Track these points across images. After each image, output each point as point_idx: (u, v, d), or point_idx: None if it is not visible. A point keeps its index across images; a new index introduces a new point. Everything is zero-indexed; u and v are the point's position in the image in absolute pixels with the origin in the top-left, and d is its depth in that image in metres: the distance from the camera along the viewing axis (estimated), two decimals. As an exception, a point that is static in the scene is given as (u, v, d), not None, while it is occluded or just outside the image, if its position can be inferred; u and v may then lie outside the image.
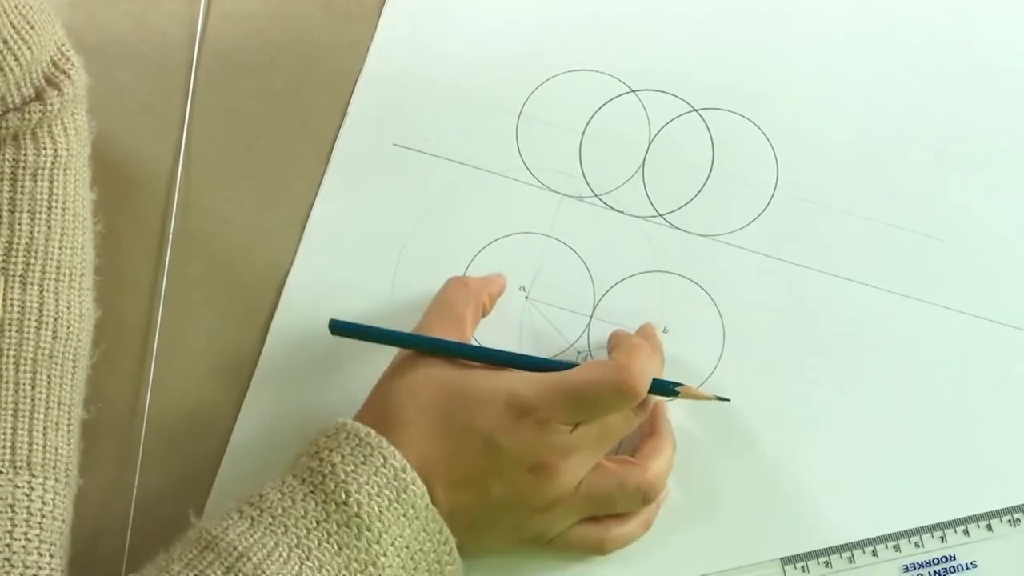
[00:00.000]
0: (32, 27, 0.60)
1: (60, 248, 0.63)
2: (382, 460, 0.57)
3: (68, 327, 0.63)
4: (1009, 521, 0.67)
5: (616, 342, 0.66)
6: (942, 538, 0.67)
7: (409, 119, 0.72)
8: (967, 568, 0.67)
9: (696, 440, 0.68)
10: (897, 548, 0.67)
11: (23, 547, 0.59)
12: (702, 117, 0.72)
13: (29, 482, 0.60)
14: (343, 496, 0.56)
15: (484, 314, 0.67)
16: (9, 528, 0.59)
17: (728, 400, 0.66)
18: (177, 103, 0.72)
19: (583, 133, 0.72)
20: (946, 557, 0.67)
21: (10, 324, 0.61)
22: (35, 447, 0.61)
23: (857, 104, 0.72)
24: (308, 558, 0.55)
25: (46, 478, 0.61)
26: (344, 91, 0.72)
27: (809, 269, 0.70)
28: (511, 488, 0.59)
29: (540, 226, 0.71)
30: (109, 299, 0.67)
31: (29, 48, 0.60)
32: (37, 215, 0.63)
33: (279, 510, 0.57)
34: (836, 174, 0.71)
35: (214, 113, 0.72)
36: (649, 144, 0.72)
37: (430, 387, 0.61)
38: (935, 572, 0.67)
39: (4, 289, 0.61)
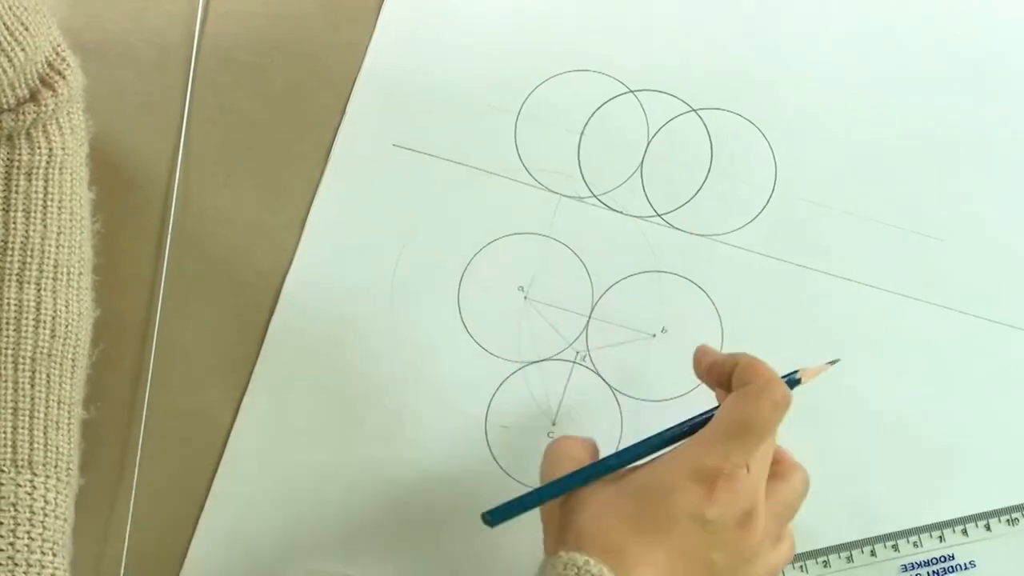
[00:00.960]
0: (26, 28, 0.60)
1: (57, 247, 0.63)
2: None
3: (67, 326, 0.63)
4: (1007, 521, 0.67)
5: (737, 380, 0.64)
6: (941, 538, 0.67)
7: (408, 119, 0.72)
8: (965, 568, 0.67)
9: (695, 440, 0.68)
10: (896, 548, 0.67)
11: (26, 546, 0.59)
12: (700, 117, 0.72)
13: (31, 481, 0.60)
14: None
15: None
16: (12, 527, 0.59)
17: (839, 360, 0.66)
18: (176, 103, 0.72)
19: (582, 133, 0.72)
20: (944, 557, 0.67)
21: (8, 323, 0.61)
22: (36, 446, 0.61)
23: (856, 104, 0.72)
24: None
25: (47, 477, 0.61)
26: (343, 91, 0.72)
27: (808, 269, 0.70)
28: (731, 551, 0.58)
29: (539, 226, 0.71)
30: (108, 298, 0.67)
31: (23, 49, 0.60)
32: (32, 214, 0.63)
33: None
34: (835, 174, 0.71)
35: (213, 113, 0.72)
36: (647, 144, 0.72)
37: (614, 506, 0.60)
38: (934, 572, 0.67)
39: (1, 288, 0.62)
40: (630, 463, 0.61)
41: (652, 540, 0.58)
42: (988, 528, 0.67)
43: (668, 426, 0.62)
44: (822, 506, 0.68)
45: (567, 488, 0.61)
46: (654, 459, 0.61)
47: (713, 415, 0.61)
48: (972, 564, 0.67)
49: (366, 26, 0.73)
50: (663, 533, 0.58)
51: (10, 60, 0.60)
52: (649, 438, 0.62)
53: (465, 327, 0.70)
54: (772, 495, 0.61)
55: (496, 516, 0.62)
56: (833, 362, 0.65)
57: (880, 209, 0.71)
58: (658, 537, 0.58)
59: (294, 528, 0.68)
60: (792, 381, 0.63)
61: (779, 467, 0.62)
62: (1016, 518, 0.67)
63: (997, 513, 0.67)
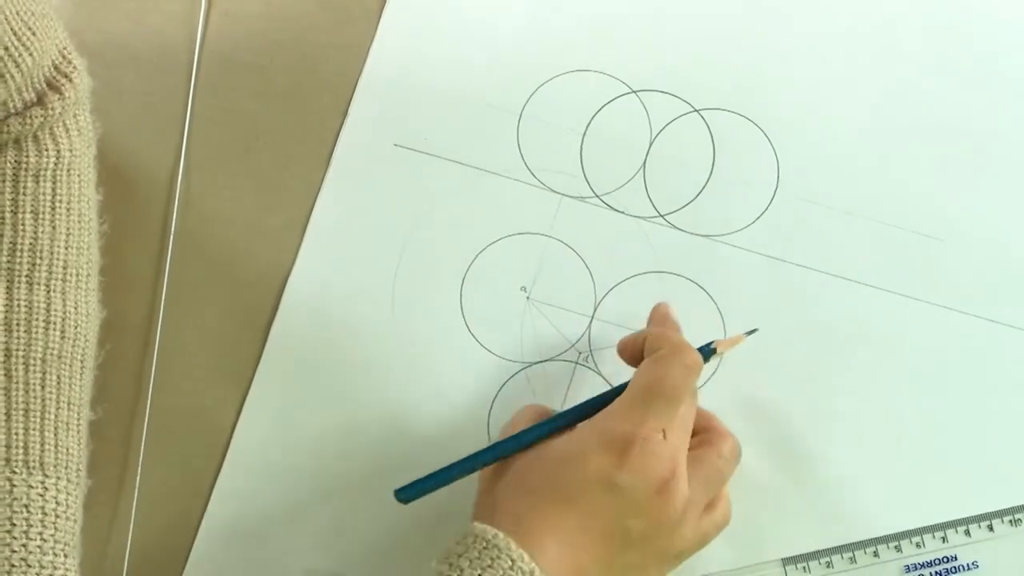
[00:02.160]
0: (34, 33, 0.60)
1: (66, 248, 0.63)
2: (510, 562, 0.56)
3: (76, 327, 0.63)
4: (1010, 521, 0.67)
5: (648, 348, 0.65)
6: (943, 538, 0.67)
7: (410, 119, 0.72)
8: (968, 568, 0.67)
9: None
10: (898, 548, 0.67)
11: (39, 547, 0.59)
12: (703, 117, 0.72)
13: (43, 482, 0.60)
14: None
15: None
16: (25, 528, 0.59)
17: (757, 329, 0.68)
18: (178, 104, 0.72)
19: (584, 133, 0.72)
20: (947, 557, 0.67)
21: (18, 324, 0.62)
22: (47, 447, 0.61)
23: (858, 104, 0.72)
24: None
25: (58, 478, 0.61)
26: (345, 91, 0.72)
27: (809, 269, 0.70)
28: (649, 518, 0.59)
29: (541, 226, 0.71)
30: (110, 299, 0.67)
31: (31, 54, 0.60)
32: (41, 216, 0.63)
33: None
34: (837, 174, 0.71)
35: (214, 114, 0.72)
36: (650, 145, 0.72)
37: (531, 473, 0.60)
38: (936, 572, 0.67)
39: (11, 289, 0.62)
40: (546, 437, 0.62)
41: (562, 508, 0.58)
42: (991, 528, 0.67)
43: (583, 400, 0.63)
44: (823, 506, 0.68)
45: (478, 464, 0.62)
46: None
47: None
48: (975, 565, 0.67)
49: (368, 26, 0.73)
50: (572, 501, 0.58)
51: (18, 65, 0.60)
52: (565, 411, 0.63)
53: (467, 327, 0.70)
54: (699, 461, 0.61)
55: (408, 493, 0.62)
56: (751, 332, 0.67)
57: (881, 209, 0.71)
58: (568, 505, 0.58)
59: (295, 528, 0.68)
60: (708, 352, 0.64)
61: (708, 435, 0.63)
62: (1019, 518, 0.67)
63: (1000, 514, 0.67)
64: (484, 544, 0.57)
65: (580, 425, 0.61)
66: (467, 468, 0.62)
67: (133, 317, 0.70)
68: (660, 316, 0.67)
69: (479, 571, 0.56)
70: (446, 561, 0.58)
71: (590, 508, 0.58)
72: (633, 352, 0.64)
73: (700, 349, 0.63)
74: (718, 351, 0.65)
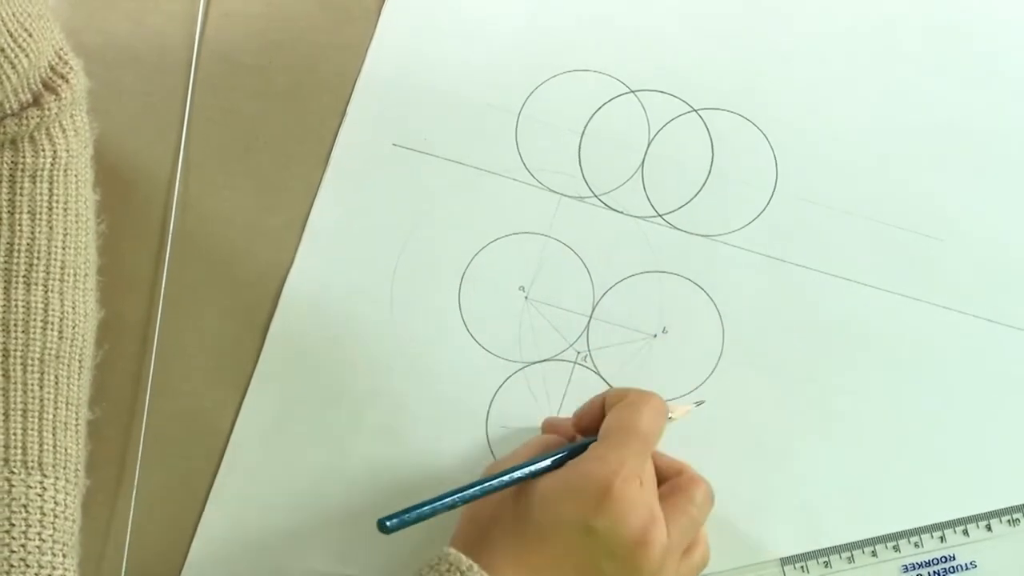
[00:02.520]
0: (30, 35, 0.60)
1: (63, 248, 0.63)
2: None
3: (74, 327, 0.63)
4: (1008, 521, 0.67)
5: (612, 401, 0.65)
6: (941, 538, 0.67)
7: (408, 119, 0.72)
8: (966, 568, 0.67)
9: (695, 441, 0.68)
10: (896, 548, 0.67)
11: (37, 547, 0.59)
12: (701, 117, 0.72)
13: (41, 482, 0.60)
14: None
15: None
16: (24, 528, 0.59)
17: (704, 402, 0.68)
18: (176, 104, 0.72)
19: (582, 133, 0.72)
20: (945, 557, 0.67)
21: (16, 325, 0.62)
22: (45, 447, 0.61)
23: (857, 104, 0.72)
24: None
25: (57, 478, 0.61)
26: (343, 91, 0.72)
27: (808, 269, 0.70)
28: (626, 564, 0.59)
29: (539, 226, 0.71)
30: (109, 300, 0.67)
31: (27, 56, 0.60)
32: (38, 216, 0.63)
33: None
34: (836, 174, 0.71)
35: (213, 114, 0.72)
36: (648, 144, 0.72)
37: (510, 509, 0.61)
38: (935, 572, 0.67)
39: (9, 290, 0.62)
40: (535, 476, 0.61)
41: (536, 546, 0.59)
42: (989, 528, 0.67)
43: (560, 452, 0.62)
44: (822, 506, 0.68)
45: (467, 499, 0.61)
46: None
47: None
48: (973, 564, 0.67)
49: (366, 26, 0.73)
50: (547, 540, 0.59)
51: (13, 66, 0.60)
52: (556, 453, 0.62)
53: (466, 327, 0.70)
54: (675, 509, 0.61)
55: (391, 524, 0.61)
56: (699, 403, 0.68)
57: (880, 209, 0.71)
58: (542, 544, 0.59)
59: (294, 528, 0.68)
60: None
61: (680, 480, 0.63)
62: (1017, 518, 0.67)
63: (998, 513, 0.67)
64: (458, 574, 0.58)
65: (561, 468, 0.61)
66: (454, 503, 0.61)
67: (132, 317, 0.70)
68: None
69: None
70: None
71: (565, 548, 0.59)
72: (592, 416, 0.65)
73: None
74: (671, 416, 0.65)
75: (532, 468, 0.61)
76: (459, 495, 0.61)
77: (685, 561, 0.62)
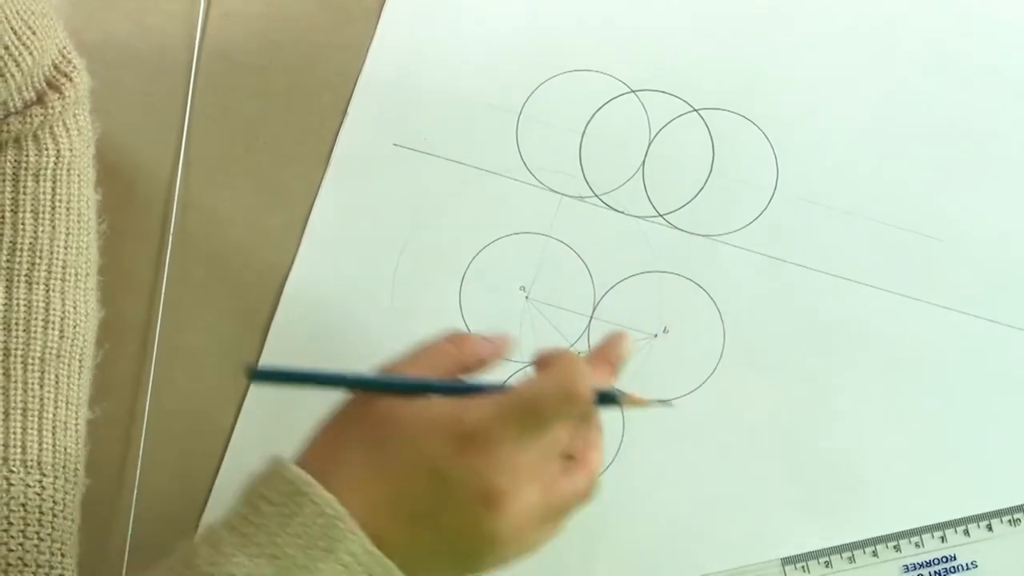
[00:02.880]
0: (34, 32, 0.60)
1: (65, 248, 0.63)
2: (316, 508, 0.52)
3: (75, 326, 0.63)
4: (1009, 521, 0.67)
5: (547, 355, 0.60)
6: (942, 538, 0.67)
7: (409, 119, 0.72)
8: (967, 568, 0.67)
9: (695, 440, 0.68)
10: (897, 548, 0.67)
11: (35, 546, 0.59)
12: (702, 117, 0.72)
13: (40, 481, 0.60)
14: (274, 550, 0.52)
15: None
16: (22, 527, 0.59)
17: (670, 404, 0.66)
18: (177, 103, 0.72)
19: (583, 133, 0.72)
20: (946, 557, 0.67)
21: (17, 324, 0.62)
22: (45, 447, 0.61)
23: (857, 104, 0.72)
24: None
25: (56, 477, 0.61)
26: (344, 91, 0.72)
27: (809, 269, 0.70)
28: (465, 520, 0.54)
29: (540, 226, 0.71)
30: (110, 299, 0.67)
31: (31, 54, 0.60)
32: (40, 215, 0.63)
33: (209, 566, 0.52)
34: (836, 174, 0.71)
35: (214, 113, 0.72)
36: (649, 144, 0.72)
37: (369, 422, 0.56)
38: (935, 572, 0.67)
39: (10, 289, 0.62)
40: (417, 392, 0.57)
41: (386, 472, 0.54)
42: (990, 528, 0.67)
43: (481, 382, 0.58)
44: (822, 506, 0.68)
45: (342, 384, 0.57)
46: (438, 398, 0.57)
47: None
48: (974, 564, 0.67)
49: (367, 26, 0.73)
50: (400, 469, 0.54)
51: (18, 64, 0.60)
52: (452, 381, 0.58)
53: (466, 327, 0.70)
54: (552, 483, 0.56)
55: (261, 375, 0.58)
56: (664, 402, 0.64)
57: (881, 209, 0.71)
58: (393, 471, 0.54)
59: (295, 529, 0.68)
60: (610, 397, 0.57)
61: (575, 463, 0.58)
62: (1018, 518, 0.67)
63: (999, 513, 0.67)
64: (290, 487, 0.53)
65: (445, 399, 0.56)
66: (331, 381, 0.57)
67: (132, 317, 0.70)
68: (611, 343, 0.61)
69: (284, 517, 0.52)
70: (249, 503, 0.53)
71: (412, 486, 0.54)
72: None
73: (604, 393, 0.57)
74: (623, 403, 0.58)
75: (433, 383, 0.57)
76: (340, 376, 0.57)
77: (535, 533, 0.56)
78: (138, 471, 0.69)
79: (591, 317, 0.70)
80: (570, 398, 0.55)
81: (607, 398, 0.57)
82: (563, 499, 0.57)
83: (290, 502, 0.52)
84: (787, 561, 0.67)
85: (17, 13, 0.59)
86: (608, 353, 0.60)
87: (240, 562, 0.51)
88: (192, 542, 0.53)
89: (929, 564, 0.67)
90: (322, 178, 0.72)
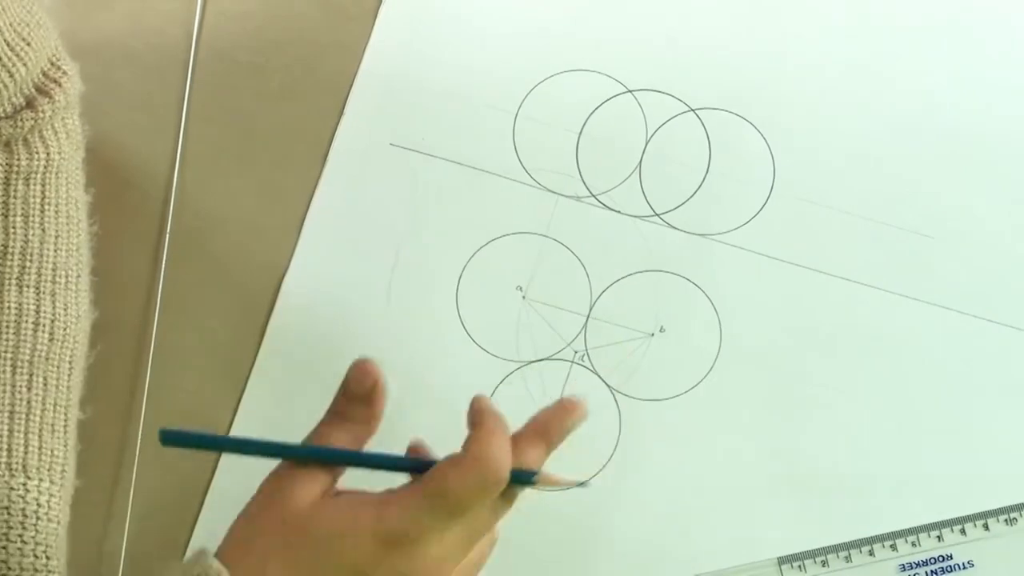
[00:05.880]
0: (28, 44, 0.60)
1: (55, 251, 0.63)
2: None
3: (65, 329, 0.63)
4: (1006, 520, 0.67)
5: (474, 420, 0.55)
6: (939, 537, 0.67)
7: (406, 119, 0.72)
8: (964, 567, 0.67)
9: (691, 439, 0.68)
10: (894, 547, 0.67)
11: (19, 549, 0.59)
12: (699, 117, 0.72)
13: (24, 484, 0.60)
14: None
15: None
16: (5, 530, 0.59)
17: (587, 484, 0.65)
18: (174, 103, 0.72)
19: (580, 133, 0.72)
20: (943, 556, 0.67)
21: (7, 326, 0.62)
22: (31, 449, 0.61)
23: (854, 103, 0.72)
24: None
25: (40, 480, 0.61)
26: (341, 91, 0.72)
27: (806, 268, 0.70)
28: None
29: (537, 226, 0.71)
30: (106, 300, 0.67)
31: (24, 65, 0.61)
32: (31, 218, 0.63)
33: None
34: (833, 173, 0.71)
35: (211, 113, 0.72)
36: (646, 144, 0.72)
37: (287, 523, 0.53)
38: (932, 571, 0.67)
39: (1, 292, 0.62)
40: (345, 463, 0.55)
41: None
42: (986, 528, 0.67)
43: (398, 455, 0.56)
44: (819, 505, 0.68)
45: (253, 452, 0.54)
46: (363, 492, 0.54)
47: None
48: (970, 564, 0.67)
49: (364, 26, 0.73)
50: (317, 573, 0.52)
51: (11, 75, 0.60)
52: (385, 455, 0.56)
53: (463, 327, 0.70)
54: (469, 566, 0.54)
55: (173, 438, 0.54)
56: (582, 484, 0.61)
57: (878, 209, 0.71)
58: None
59: (292, 528, 0.68)
60: (526, 477, 0.54)
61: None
62: (1014, 517, 0.67)
63: (995, 513, 0.67)
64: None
65: (366, 496, 0.54)
66: (237, 448, 0.55)
67: (129, 316, 0.70)
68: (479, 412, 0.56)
69: None
70: None
71: None
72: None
73: (518, 474, 0.53)
74: (537, 484, 0.54)
75: (349, 454, 0.54)
76: (250, 443, 0.54)
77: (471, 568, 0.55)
78: (135, 471, 0.69)
79: (588, 316, 0.70)
80: (490, 487, 0.52)
81: (520, 478, 0.53)
82: (474, 563, 0.55)
83: None
84: (783, 560, 0.67)
85: (10, 25, 0.59)
86: (548, 428, 0.56)
87: None
88: None
89: (926, 563, 0.67)
90: (319, 178, 0.72)
